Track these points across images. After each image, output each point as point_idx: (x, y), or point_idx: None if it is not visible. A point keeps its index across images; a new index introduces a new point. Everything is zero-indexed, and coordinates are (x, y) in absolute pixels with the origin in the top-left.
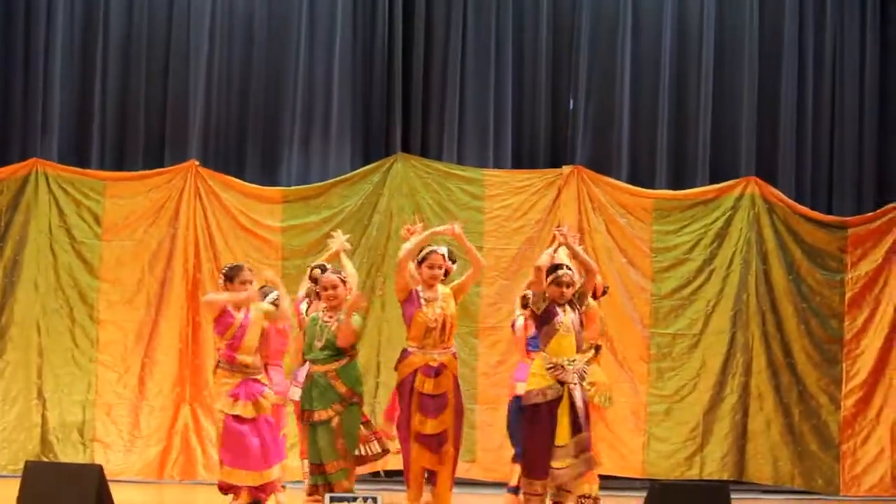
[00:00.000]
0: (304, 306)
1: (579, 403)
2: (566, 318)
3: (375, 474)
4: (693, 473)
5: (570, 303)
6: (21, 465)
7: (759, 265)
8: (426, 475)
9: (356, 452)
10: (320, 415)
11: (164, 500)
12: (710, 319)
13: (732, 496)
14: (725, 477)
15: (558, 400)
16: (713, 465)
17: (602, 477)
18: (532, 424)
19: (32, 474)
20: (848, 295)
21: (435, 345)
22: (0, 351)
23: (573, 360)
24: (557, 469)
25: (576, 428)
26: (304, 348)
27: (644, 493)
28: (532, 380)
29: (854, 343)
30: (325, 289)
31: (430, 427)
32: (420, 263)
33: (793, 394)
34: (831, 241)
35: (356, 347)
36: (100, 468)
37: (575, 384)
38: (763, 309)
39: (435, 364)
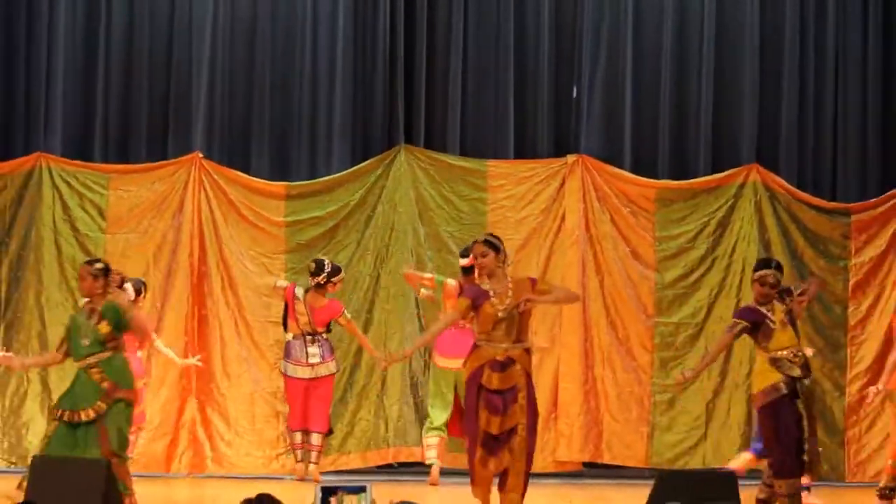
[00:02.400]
0: (300, 291)
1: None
2: (776, 314)
3: (388, 466)
4: (697, 462)
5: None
6: (29, 460)
7: (761, 252)
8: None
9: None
10: (86, 414)
11: (171, 494)
12: (713, 308)
13: (739, 483)
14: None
15: (794, 392)
16: (717, 454)
17: (608, 467)
18: (775, 422)
19: (39, 469)
20: (852, 281)
21: (503, 338)
22: (7, 344)
23: (798, 353)
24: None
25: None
26: (72, 349)
27: (651, 483)
28: (758, 379)
29: (859, 328)
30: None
31: (495, 426)
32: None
33: None
34: (834, 228)
35: (119, 339)
36: (107, 462)
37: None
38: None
39: (502, 358)
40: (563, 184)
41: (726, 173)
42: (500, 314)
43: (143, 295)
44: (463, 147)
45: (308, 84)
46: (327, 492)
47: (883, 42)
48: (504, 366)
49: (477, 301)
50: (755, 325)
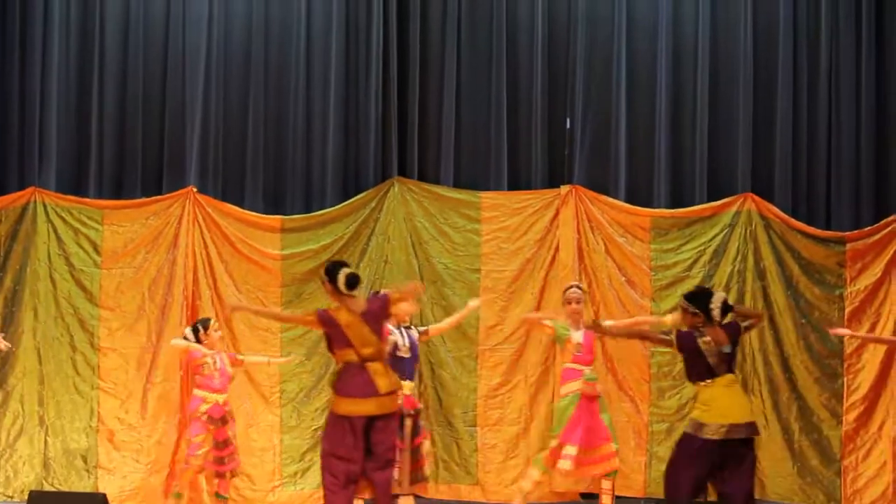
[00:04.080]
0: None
1: None
2: None
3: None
4: None
5: None
6: (25, 494)
7: (756, 281)
8: None
9: None
10: None
11: None
12: None
13: None
14: None
15: None
16: None
17: None
18: None
19: (36, 503)
20: (847, 309)
21: None
22: (2, 380)
23: None
24: None
25: None
26: None
27: None
28: None
29: (855, 357)
30: None
31: None
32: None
33: (793, 409)
34: (829, 256)
35: None
36: (103, 496)
37: None
38: (761, 325)
39: None
40: (556, 214)
41: (721, 202)
42: None
43: (204, 333)
44: (457, 179)
45: (302, 117)
46: None
47: (876, 70)
48: None
49: None
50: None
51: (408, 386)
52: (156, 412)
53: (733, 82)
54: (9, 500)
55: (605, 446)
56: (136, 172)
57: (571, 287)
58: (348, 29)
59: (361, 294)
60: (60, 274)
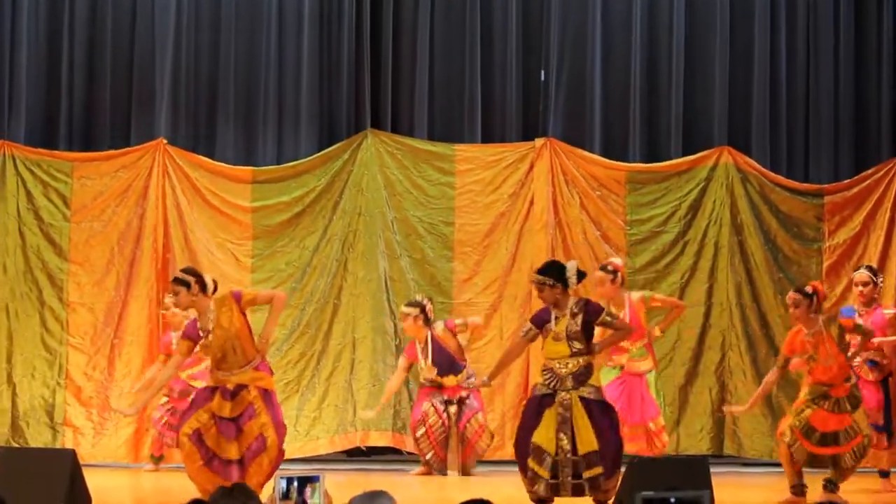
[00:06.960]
0: None
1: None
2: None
3: (356, 451)
4: (670, 448)
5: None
6: None
7: (733, 236)
8: None
9: None
10: None
11: (139, 484)
12: (685, 292)
13: (712, 470)
14: (703, 451)
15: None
16: (690, 440)
17: None
18: (520, 420)
19: (4, 460)
20: (826, 263)
21: (230, 366)
22: None
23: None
24: None
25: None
26: None
27: (623, 470)
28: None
29: (832, 312)
30: None
31: (233, 451)
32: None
33: (770, 365)
34: (808, 210)
35: None
36: (72, 453)
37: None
38: (738, 280)
39: (231, 386)
40: (531, 167)
41: (698, 155)
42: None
43: None
44: (431, 131)
45: (274, 68)
46: (289, 481)
47: (855, 21)
48: (234, 394)
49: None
50: (540, 327)
51: (450, 380)
52: (124, 368)
53: (710, 34)
54: None
55: None
56: (106, 125)
57: None
58: None
59: None
60: (29, 228)
